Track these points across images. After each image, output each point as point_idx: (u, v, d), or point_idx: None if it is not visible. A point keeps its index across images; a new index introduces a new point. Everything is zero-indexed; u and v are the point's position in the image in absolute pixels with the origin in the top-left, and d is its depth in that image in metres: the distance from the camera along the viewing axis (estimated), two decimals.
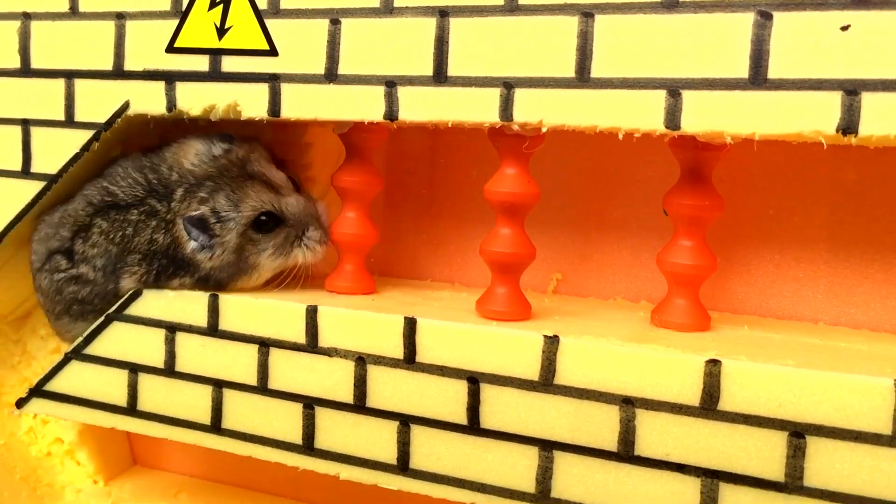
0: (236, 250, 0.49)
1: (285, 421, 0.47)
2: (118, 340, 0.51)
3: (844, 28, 0.35)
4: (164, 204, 0.50)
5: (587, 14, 0.39)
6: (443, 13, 0.42)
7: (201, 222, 0.49)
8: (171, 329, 0.49)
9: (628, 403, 0.39)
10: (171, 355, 0.49)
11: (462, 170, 0.57)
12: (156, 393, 0.50)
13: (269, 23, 0.46)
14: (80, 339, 0.52)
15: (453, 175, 0.57)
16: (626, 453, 0.40)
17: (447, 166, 0.57)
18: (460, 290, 0.54)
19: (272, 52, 0.46)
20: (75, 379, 0.53)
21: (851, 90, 0.35)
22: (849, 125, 0.35)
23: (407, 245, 0.59)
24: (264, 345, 0.47)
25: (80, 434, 0.64)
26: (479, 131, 0.45)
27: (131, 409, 0.51)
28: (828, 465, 0.36)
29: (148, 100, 0.49)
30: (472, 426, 0.43)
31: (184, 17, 0.48)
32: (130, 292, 0.50)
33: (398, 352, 0.44)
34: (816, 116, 0.36)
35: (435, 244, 0.58)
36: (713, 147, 0.41)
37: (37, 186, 0.53)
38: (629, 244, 0.52)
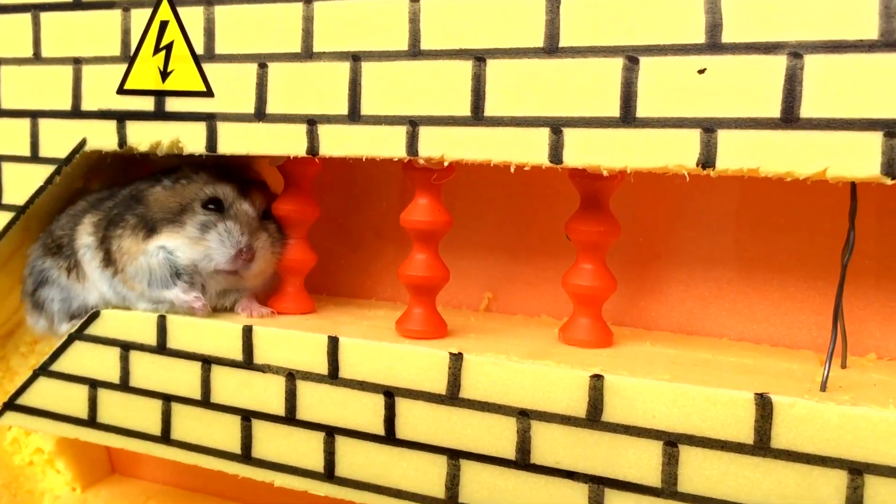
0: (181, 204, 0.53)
1: (226, 432, 0.51)
2: (79, 358, 0.55)
3: (701, 71, 0.38)
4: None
5: (480, 59, 0.43)
6: (356, 58, 0.46)
7: (175, 169, 0.55)
8: (126, 347, 0.53)
9: (524, 415, 0.43)
10: (125, 372, 0.54)
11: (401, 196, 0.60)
12: (112, 407, 0.54)
13: (205, 66, 0.50)
14: (47, 357, 0.57)
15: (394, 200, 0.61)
16: (522, 461, 0.43)
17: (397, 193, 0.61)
18: (397, 309, 0.57)
19: (209, 93, 0.50)
20: (43, 394, 0.57)
21: (709, 128, 0.38)
22: (707, 160, 0.38)
23: (353, 266, 0.62)
24: (206, 362, 0.51)
25: (58, 444, 0.68)
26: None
27: (91, 422, 0.55)
28: (698, 472, 0.39)
29: (102, 137, 0.54)
30: (389, 437, 0.46)
31: (132, 61, 0.52)
32: (91, 312, 0.54)
33: (323, 368, 0.47)
34: (679, 152, 0.39)
35: (381, 265, 0.61)
36: (607, 177, 0.45)
37: (7, 216, 0.58)
38: (554, 265, 0.55)
